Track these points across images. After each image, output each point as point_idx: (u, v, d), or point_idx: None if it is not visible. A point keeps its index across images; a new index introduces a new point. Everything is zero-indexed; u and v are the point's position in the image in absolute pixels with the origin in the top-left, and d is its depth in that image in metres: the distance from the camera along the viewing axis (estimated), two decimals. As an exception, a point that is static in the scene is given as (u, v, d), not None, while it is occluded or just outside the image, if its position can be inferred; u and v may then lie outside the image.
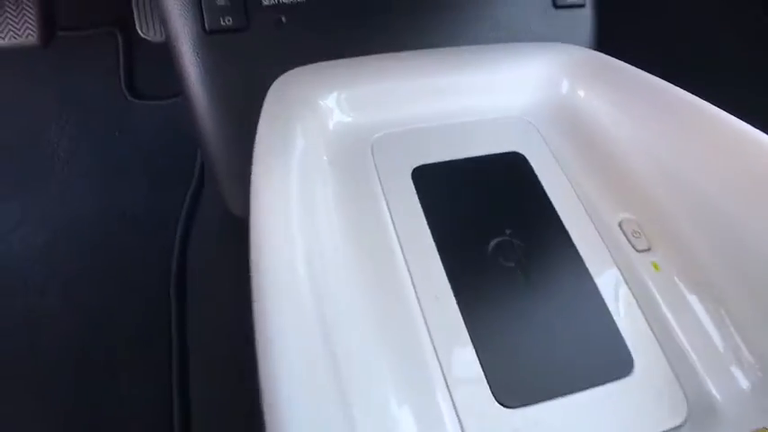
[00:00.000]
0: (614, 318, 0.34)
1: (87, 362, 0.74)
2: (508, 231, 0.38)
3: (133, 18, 0.99)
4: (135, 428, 0.70)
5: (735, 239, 0.33)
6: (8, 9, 0.79)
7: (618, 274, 0.37)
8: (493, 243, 0.37)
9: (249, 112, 0.49)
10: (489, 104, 0.45)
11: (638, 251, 0.38)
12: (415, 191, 0.39)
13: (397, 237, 0.36)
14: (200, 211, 0.85)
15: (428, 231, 0.37)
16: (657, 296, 0.35)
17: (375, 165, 0.40)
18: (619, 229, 0.39)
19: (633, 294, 0.36)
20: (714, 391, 0.31)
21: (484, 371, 0.30)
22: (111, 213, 0.88)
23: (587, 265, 0.37)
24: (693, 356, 0.33)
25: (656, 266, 0.36)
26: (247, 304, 0.27)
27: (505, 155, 0.42)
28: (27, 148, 0.92)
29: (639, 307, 0.35)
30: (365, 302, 0.31)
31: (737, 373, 0.31)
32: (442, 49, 0.46)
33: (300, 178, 0.36)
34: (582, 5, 0.57)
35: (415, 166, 0.40)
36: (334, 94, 0.42)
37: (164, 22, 0.50)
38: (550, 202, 0.40)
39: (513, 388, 0.30)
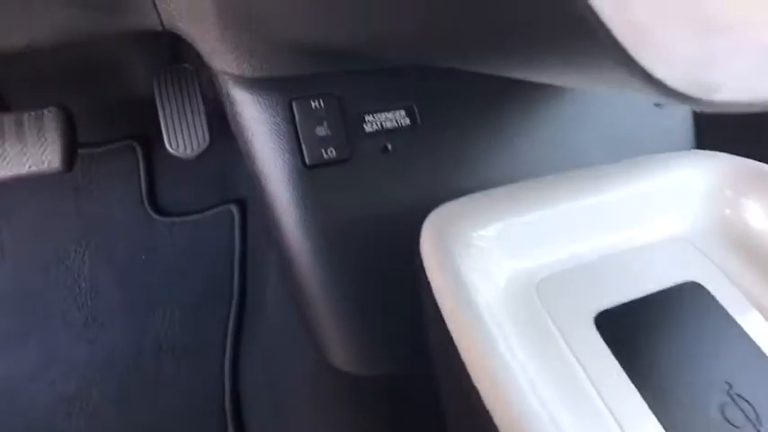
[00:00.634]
0: None
1: None
2: (725, 382, 0.32)
3: (152, 132, 0.94)
4: None
5: None
6: (29, 135, 0.72)
7: None
8: (714, 399, 0.31)
9: (363, 258, 0.43)
10: (643, 226, 0.40)
11: None
12: (602, 340, 0.33)
13: (600, 395, 0.31)
14: (248, 340, 0.77)
15: (633, 388, 0.31)
16: None
17: (548, 310, 0.35)
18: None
19: None
20: None
21: None
22: (145, 347, 0.79)
23: None
24: None
25: None
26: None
27: (683, 287, 0.37)
28: (45, 281, 0.84)
29: None
30: None
31: None
32: (578, 171, 0.41)
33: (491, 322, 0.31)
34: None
35: (595, 312, 0.35)
36: (493, 231, 0.36)
37: (251, 158, 0.44)
38: (751, 339, 0.35)
39: None
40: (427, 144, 0.45)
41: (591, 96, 0.50)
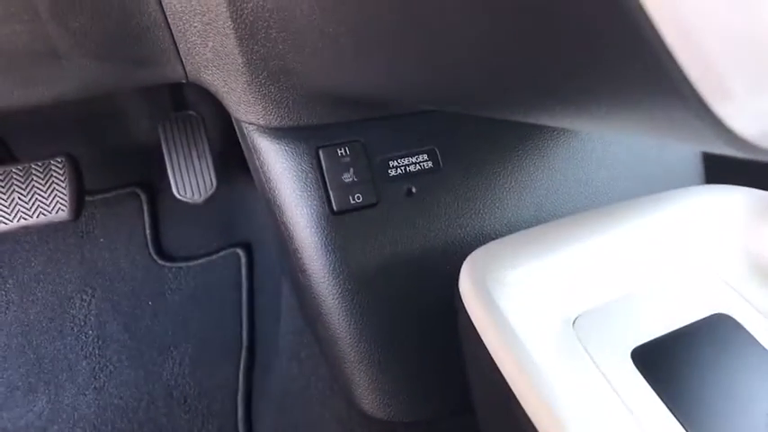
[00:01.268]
0: None
1: None
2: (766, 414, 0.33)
3: (154, 178, 0.94)
4: None
5: None
6: (37, 185, 0.72)
7: None
8: (757, 429, 0.32)
9: (393, 301, 0.43)
10: (669, 260, 0.41)
11: None
12: (640, 375, 0.34)
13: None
14: (260, 389, 0.76)
15: (675, 421, 0.32)
16: None
17: (586, 347, 0.35)
18: None
19: None
20: None
21: None
22: (155, 396, 0.77)
23: None
24: None
25: None
26: None
27: (713, 319, 0.38)
28: (51, 331, 0.83)
29: None
30: None
31: None
32: (603, 209, 0.42)
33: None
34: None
35: (631, 347, 0.35)
36: (529, 271, 0.37)
37: (276, 206, 0.44)
38: None
39: None
40: (451, 186, 0.46)
41: (604, 135, 0.52)
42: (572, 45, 0.17)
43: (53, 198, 0.74)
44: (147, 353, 0.81)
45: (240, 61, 0.39)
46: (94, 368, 0.80)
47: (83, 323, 0.84)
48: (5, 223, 0.72)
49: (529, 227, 0.41)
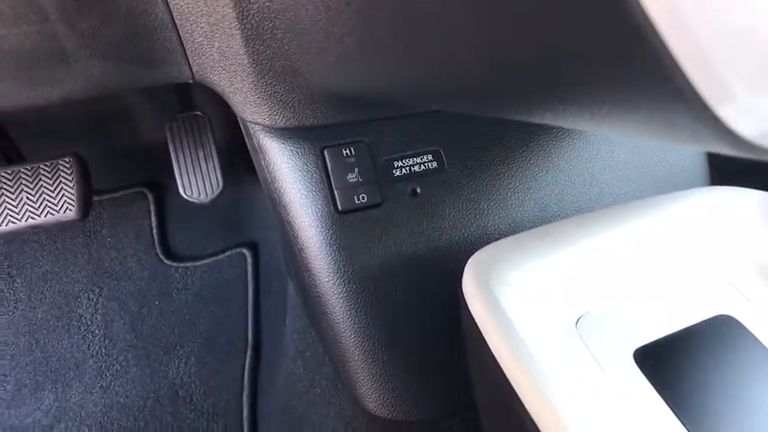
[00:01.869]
0: None
1: None
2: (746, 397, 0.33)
3: (161, 178, 0.95)
4: None
5: None
6: (45, 185, 0.73)
7: None
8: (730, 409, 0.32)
9: (397, 301, 0.44)
10: (674, 261, 0.41)
11: None
12: (643, 375, 0.34)
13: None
14: (265, 389, 0.76)
15: (678, 422, 0.32)
16: None
17: (588, 347, 0.35)
18: None
19: None
20: None
21: None
22: (161, 395, 0.78)
23: None
24: None
25: None
26: None
27: (717, 320, 0.38)
28: (58, 330, 0.83)
29: None
30: None
31: None
32: (607, 210, 0.42)
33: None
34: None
35: (634, 348, 0.35)
36: (532, 271, 0.37)
37: (281, 205, 0.45)
38: None
39: None
40: (455, 186, 0.46)
41: (608, 136, 0.52)
42: (573, 46, 0.17)
43: (61, 198, 0.75)
44: (153, 352, 0.82)
45: (246, 62, 0.40)
46: (101, 367, 0.80)
47: (89, 322, 0.84)
48: (14, 223, 0.73)
49: (533, 227, 0.41)
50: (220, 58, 0.41)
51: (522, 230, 0.40)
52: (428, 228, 0.45)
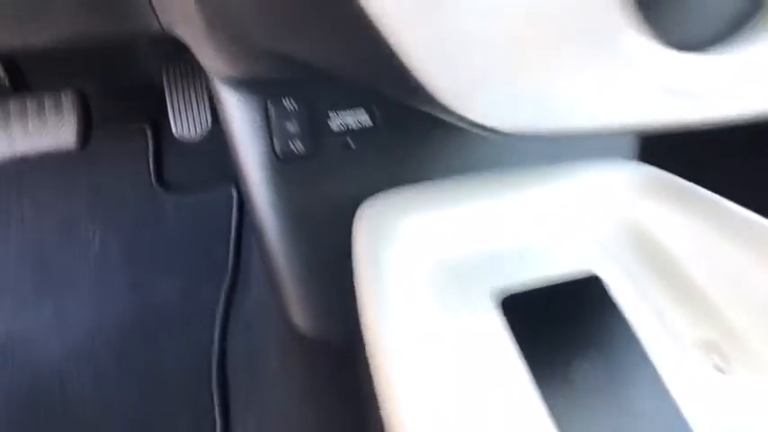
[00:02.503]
0: None
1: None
2: (593, 354, 0.38)
3: (162, 116, 1.02)
4: None
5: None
6: (48, 115, 0.81)
7: (699, 395, 0.36)
8: (579, 365, 0.37)
9: (322, 237, 0.50)
10: (559, 225, 0.46)
11: (720, 373, 0.38)
12: (506, 323, 0.39)
13: (491, 375, 0.37)
14: (236, 311, 0.85)
15: (520, 357, 0.37)
16: (739, 418, 0.35)
17: (461, 290, 0.41)
18: (698, 349, 0.39)
19: (713, 415, 0.35)
20: None
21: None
22: (146, 312, 0.87)
23: (668, 387, 0.37)
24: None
25: (738, 388, 0.36)
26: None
27: (583, 279, 0.43)
28: (58, 248, 0.92)
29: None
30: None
31: None
32: (506, 171, 0.47)
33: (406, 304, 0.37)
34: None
35: (498, 295, 0.41)
36: (418, 222, 0.43)
37: (233, 149, 0.51)
38: (629, 325, 0.41)
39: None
40: (387, 145, 0.51)
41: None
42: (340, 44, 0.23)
43: (62, 127, 0.83)
44: (143, 274, 0.91)
45: (199, 19, 0.45)
46: (95, 285, 0.90)
47: (88, 243, 0.93)
48: (21, 146, 0.81)
49: None
50: (180, 14, 0.47)
51: None
52: (356, 179, 0.51)
